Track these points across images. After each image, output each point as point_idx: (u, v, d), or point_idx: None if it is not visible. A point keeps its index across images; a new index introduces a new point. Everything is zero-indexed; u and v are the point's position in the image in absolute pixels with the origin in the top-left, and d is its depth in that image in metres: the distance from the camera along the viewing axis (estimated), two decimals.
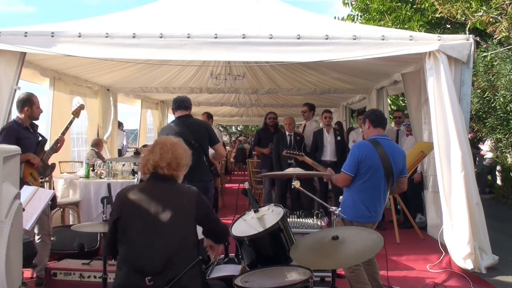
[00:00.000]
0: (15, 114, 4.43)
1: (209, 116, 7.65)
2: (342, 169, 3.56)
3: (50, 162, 4.48)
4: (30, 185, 4.04)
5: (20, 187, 3.84)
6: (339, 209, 3.19)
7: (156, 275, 2.23)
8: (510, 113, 5.86)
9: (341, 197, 3.65)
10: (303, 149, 7.25)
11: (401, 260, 4.93)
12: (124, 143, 11.12)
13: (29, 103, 4.18)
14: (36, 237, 4.09)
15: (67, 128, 4.57)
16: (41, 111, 4.32)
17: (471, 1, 6.69)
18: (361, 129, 7.23)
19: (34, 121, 4.27)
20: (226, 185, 10.39)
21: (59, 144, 4.45)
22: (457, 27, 8.47)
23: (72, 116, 4.67)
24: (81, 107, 4.86)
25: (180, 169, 2.48)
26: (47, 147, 4.39)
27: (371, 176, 3.44)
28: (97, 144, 7.35)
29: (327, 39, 4.61)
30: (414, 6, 9.03)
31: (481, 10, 6.45)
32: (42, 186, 4.27)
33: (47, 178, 4.90)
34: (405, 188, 3.71)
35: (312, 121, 7.52)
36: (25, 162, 4.07)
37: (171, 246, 2.28)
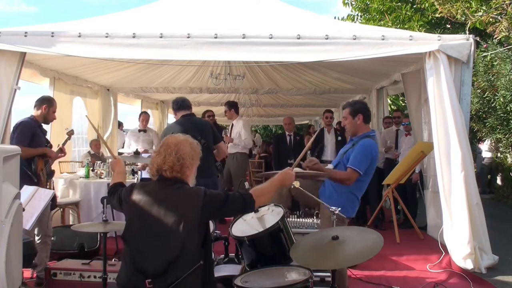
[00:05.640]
0: (15, 114, 4.46)
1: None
2: (354, 167, 3.32)
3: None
4: (41, 179, 4.09)
5: (35, 181, 3.92)
6: (339, 208, 3.18)
7: (157, 278, 2.22)
8: (510, 113, 5.85)
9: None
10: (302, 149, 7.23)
11: (401, 260, 4.93)
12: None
13: (48, 103, 4.31)
14: (36, 237, 4.09)
15: (64, 144, 4.67)
16: (55, 118, 4.42)
17: (471, 1, 6.68)
18: None
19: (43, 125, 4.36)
20: None
21: (60, 154, 4.57)
22: (457, 27, 8.46)
23: (67, 136, 4.78)
24: (71, 133, 4.86)
25: (184, 171, 2.41)
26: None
27: (372, 174, 3.48)
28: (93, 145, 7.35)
29: (327, 39, 4.60)
30: (414, 6, 9.01)
31: (481, 10, 6.44)
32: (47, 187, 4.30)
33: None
34: None
35: (239, 118, 7.11)
36: (39, 157, 4.12)
37: (172, 251, 2.24)
